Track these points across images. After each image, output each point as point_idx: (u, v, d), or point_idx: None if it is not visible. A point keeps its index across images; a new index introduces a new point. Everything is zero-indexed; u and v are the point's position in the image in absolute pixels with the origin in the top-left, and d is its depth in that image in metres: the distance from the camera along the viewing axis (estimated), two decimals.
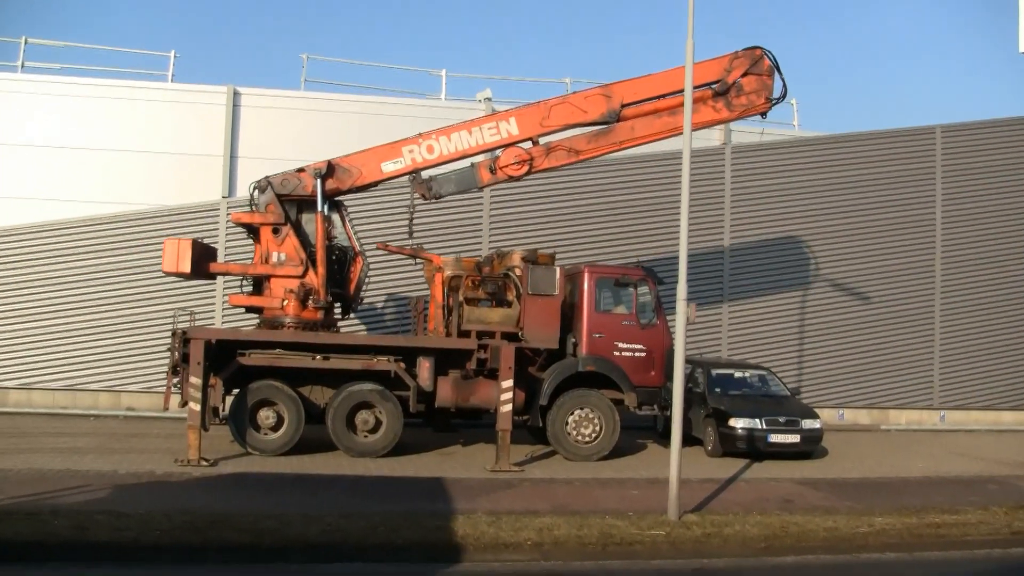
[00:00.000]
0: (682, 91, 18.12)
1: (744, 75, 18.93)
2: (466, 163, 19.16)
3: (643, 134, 19.12)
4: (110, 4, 59.88)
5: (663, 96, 18.97)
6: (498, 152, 19.09)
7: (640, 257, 23.82)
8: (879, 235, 27.28)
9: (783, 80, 19.08)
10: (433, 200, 19.39)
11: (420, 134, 18.93)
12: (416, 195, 19.09)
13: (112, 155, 24.52)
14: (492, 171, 19.00)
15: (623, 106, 18.91)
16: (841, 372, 26.66)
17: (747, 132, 27.91)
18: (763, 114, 19.52)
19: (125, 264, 23.48)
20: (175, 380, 17.68)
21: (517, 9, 73.08)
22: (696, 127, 17.93)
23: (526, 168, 18.96)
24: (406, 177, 18.98)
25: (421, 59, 78.05)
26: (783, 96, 19.20)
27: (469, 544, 11.62)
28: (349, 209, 19.78)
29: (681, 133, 18.35)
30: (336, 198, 19.03)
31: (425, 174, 18.98)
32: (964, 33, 69.02)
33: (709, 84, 18.91)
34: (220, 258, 20.73)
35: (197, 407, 16.49)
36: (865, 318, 26.92)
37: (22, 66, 25.47)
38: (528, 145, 18.97)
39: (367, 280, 19.57)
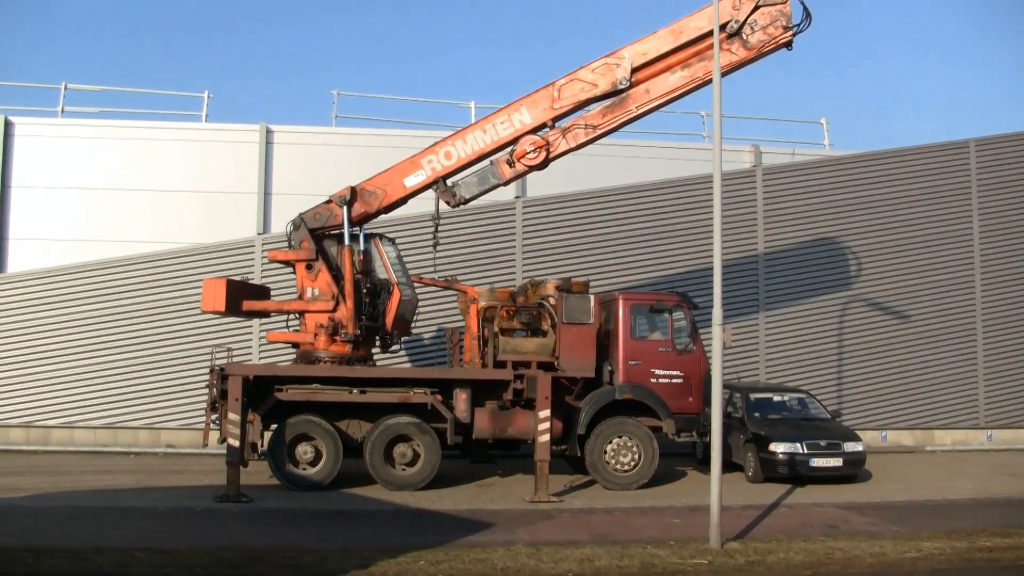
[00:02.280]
0: (692, 42, 17.97)
1: (755, 9, 17.87)
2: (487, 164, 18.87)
3: (659, 94, 18.33)
4: (145, 49, 60.81)
5: (673, 52, 18.22)
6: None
7: (674, 282, 23.72)
8: (916, 252, 27.02)
9: (803, 3, 17.78)
10: (459, 206, 19.18)
11: (436, 142, 18.80)
12: (441, 203, 18.94)
13: (149, 195, 24.87)
14: (511, 164, 18.58)
15: (633, 70, 18.24)
16: (882, 393, 26.33)
17: (778, 154, 27.80)
18: (788, 45, 18.08)
19: (163, 302, 23.70)
20: (214, 416, 17.76)
21: (545, 39, 73.39)
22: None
23: (543, 154, 18.46)
24: (432, 189, 18.79)
25: (450, 92, 78.50)
26: (806, 21, 17.81)
27: None
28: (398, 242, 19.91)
29: (699, 84, 18.16)
30: (366, 225, 19.07)
31: (449, 181, 18.81)
32: (991, 45, 68.49)
33: (720, 27, 17.48)
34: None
35: (236, 443, 16.54)
36: (905, 337, 26.61)
37: (62, 111, 25.92)
38: (545, 132, 18.54)
39: (411, 313, 19.54)
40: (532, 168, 18.77)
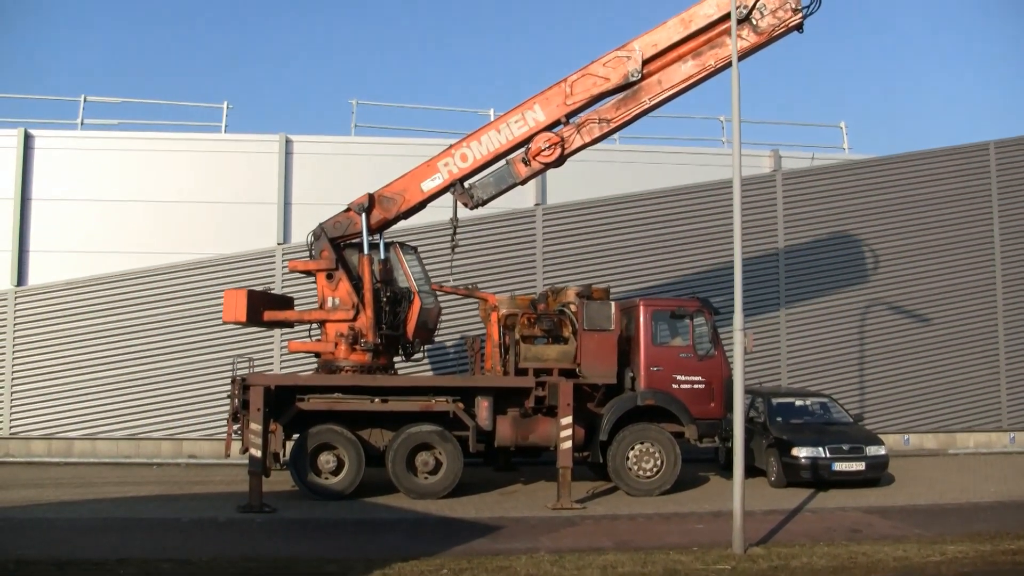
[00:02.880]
0: (702, 30, 17.96)
1: None
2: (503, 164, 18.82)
3: (672, 84, 18.22)
4: (165, 60, 61.19)
5: (684, 41, 18.14)
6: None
7: (695, 288, 23.66)
8: (937, 255, 26.90)
9: None
10: (477, 207, 19.12)
11: (451, 144, 18.83)
12: (460, 207, 18.97)
13: (169, 206, 24.93)
14: (526, 162, 18.51)
15: (645, 62, 18.17)
16: (904, 396, 26.21)
17: (797, 158, 27.72)
18: (799, 28, 17.99)
19: (184, 313, 23.83)
20: (236, 427, 17.82)
21: (563, 43, 73.45)
22: (728, 64, 17.33)
23: (559, 151, 18.36)
24: (450, 192, 18.81)
25: (469, 99, 78.64)
26: (815, 2, 17.66)
27: None
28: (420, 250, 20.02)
29: (711, 72, 18.11)
30: (387, 233, 19.13)
31: (466, 184, 18.82)
32: (1013, 44, 68.09)
33: (728, 14, 17.55)
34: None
35: (258, 453, 16.59)
36: (927, 340, 26.49)
37: (81, 123, 26.04)
38: (560, 129, 18.48)
39: (434, 321, 19.55)
40: (548, 165, 18.73)
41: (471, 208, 19.09)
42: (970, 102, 69.14)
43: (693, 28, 18.07)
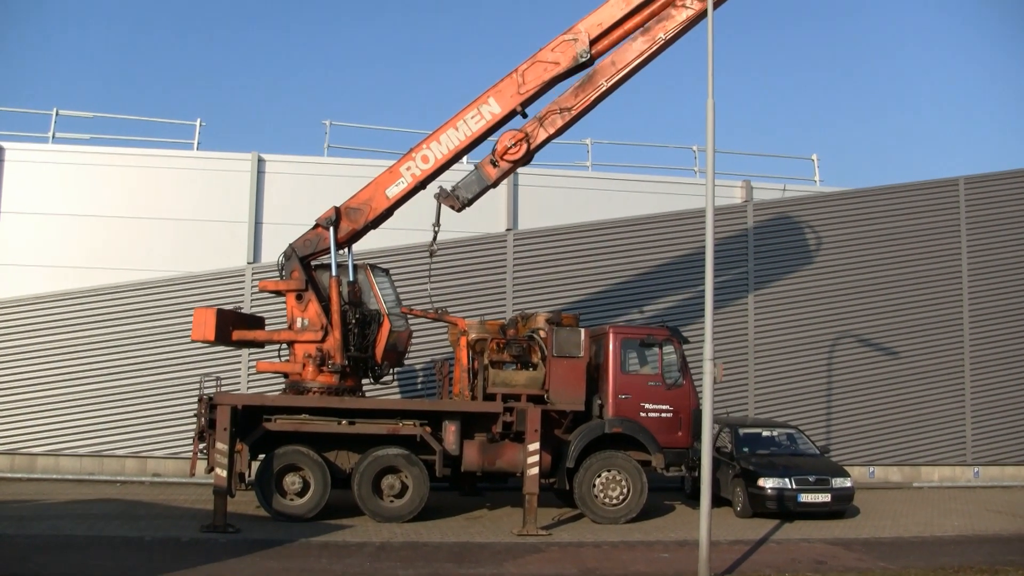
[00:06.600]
0: (646, 3, 18.02)
1: None
2: (465, 166, 18.86)
3: (625, 63, 18.26)
4: (138, 76, 60.98)
5: (628, 17, 18.21)
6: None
7: (665, 316, 23.72)
8: (905, 289, 27.10)
9: None
10: (464, 208, 18.99)
11: (412, 148, 18.79)
12: (446, 207, 18.88)
13: (140, 222, 24.78)
14: (495, 164, 18.58)
15: (593, 42, 18.22)
16: (871, 429, 26.33)
17: (769, 189, 27.93)
18: None
19: (152, 331, 23.60)
20: (201, 446, 17.68)
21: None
22: (677, 35, 17.90)
23: (525, 147, 18.39)
24: (434, 198, 18.81)
25: (441, 121, 78.51)
26: None
27: None
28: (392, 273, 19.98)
29: (661, 47, 18.18)
30: (359, 254, 19.05)
31: (448, 186, 18.83)
32: (985, 83, 69.02)
33: None
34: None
35: (223, 473, 16.48)
36: (893, 374, 26.65)
37: (53, 137, 25.88)
38: (524, 123, 18.50)
39: (404, 344, 19.51)
40: (516, 163, 18.75)
41: (458, 210, 19.00)
42: (942, 137, 70.01)
43: (636, 2, 18.16)
